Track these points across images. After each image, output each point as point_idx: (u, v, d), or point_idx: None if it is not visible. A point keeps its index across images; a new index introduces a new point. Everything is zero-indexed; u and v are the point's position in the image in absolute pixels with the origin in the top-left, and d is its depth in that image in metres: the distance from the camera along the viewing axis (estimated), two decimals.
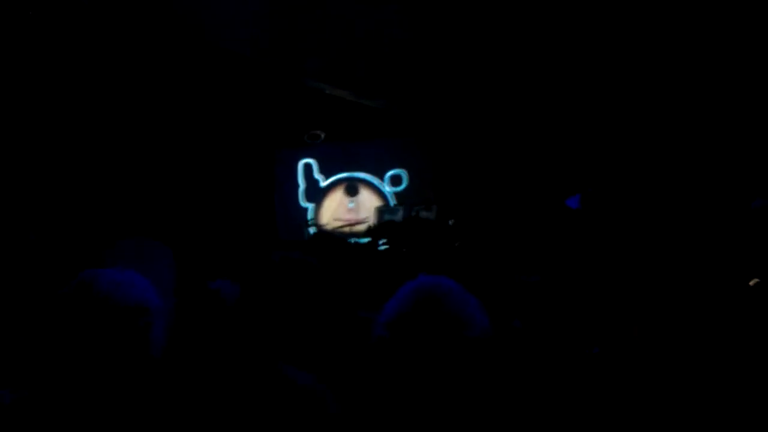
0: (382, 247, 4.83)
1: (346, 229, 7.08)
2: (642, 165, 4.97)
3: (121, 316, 1.11)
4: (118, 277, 1.17)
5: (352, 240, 6.26)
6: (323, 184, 7.88)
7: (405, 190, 7.60)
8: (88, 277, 1.15)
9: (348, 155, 7.77)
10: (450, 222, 5.95)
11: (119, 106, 5.82)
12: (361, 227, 6.73)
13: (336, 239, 4.56)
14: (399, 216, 6.51)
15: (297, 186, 7.92)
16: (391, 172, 7.64)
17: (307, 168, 7.91)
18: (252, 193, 7.43)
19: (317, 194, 7.89)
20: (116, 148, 5.89)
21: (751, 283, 2.37)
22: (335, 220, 7.67)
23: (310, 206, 7.89)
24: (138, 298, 1.15)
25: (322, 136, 7.61)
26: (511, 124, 6.38)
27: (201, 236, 5.65)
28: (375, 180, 7.72)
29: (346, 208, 7.73)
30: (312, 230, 7.40)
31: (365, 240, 5.89)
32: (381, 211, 6.99)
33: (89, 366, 1.09)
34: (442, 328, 1.15)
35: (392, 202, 7.60)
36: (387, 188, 7.68)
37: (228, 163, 7.10)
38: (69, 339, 1.09)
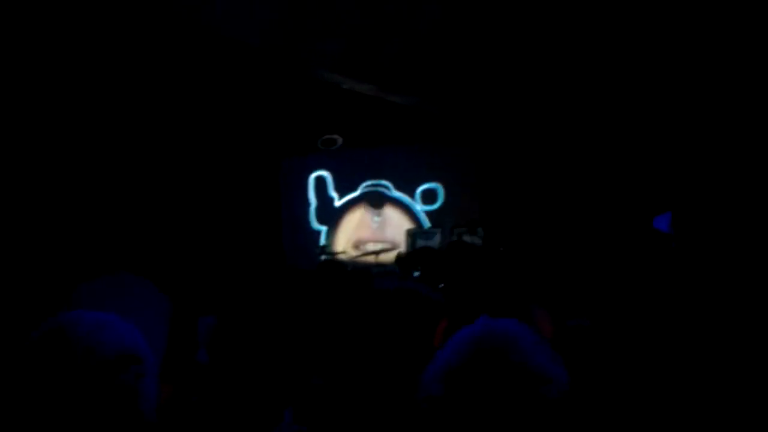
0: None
1: (371, 258, 7.09)
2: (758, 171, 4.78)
3: (106, 367, 1.12)
4: (100, 319, 1.17)
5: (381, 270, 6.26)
6: (339, 203, 7.88)
7: (441, 208, 7.55)
8: (61, 320, 1.16)
9: (370, 165, 7.77)
10: (500, 249, 5.94)
11: (100, 111, 5.91)
12: (389, 255, 6.73)
13: (352, 270, 4.52)
14: (436, 241, 6.53)
15: (308, 204, 7.94)
16: (423, 187, 7.62)
17: (320, 182, 7.92)
18: (254, 212, 7.39)
19: (332, 215, 7.90)
20: (94, 162, 5.92)
21: None
22: (356, 245, 7.66)
23: (324, 229, 7.90)
24: (125, 345, 1.16)
25: (340, 141, 7.61)
26: (575, 124, 6.23)
27: (195, 265, 5.69)
28: (404, 197, 7.70)
29: (371, 226, 7.75)
30: (326, 258, 7.29)
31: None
32: (413, 235, 6.97)
33: (67, 429, 1.09)
34: (511, 383, 1.14)
35: (426, 223, 7.56)
36: (419, 206, 7.64)
37: (227, 173, 7.07)
38: (41, 397, 1.09)
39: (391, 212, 7.73)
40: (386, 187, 7.78)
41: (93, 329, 1.15)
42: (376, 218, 7.75)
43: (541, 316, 1.79)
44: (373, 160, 7.77)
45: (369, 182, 7.83)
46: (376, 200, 7.79)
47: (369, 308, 1.75)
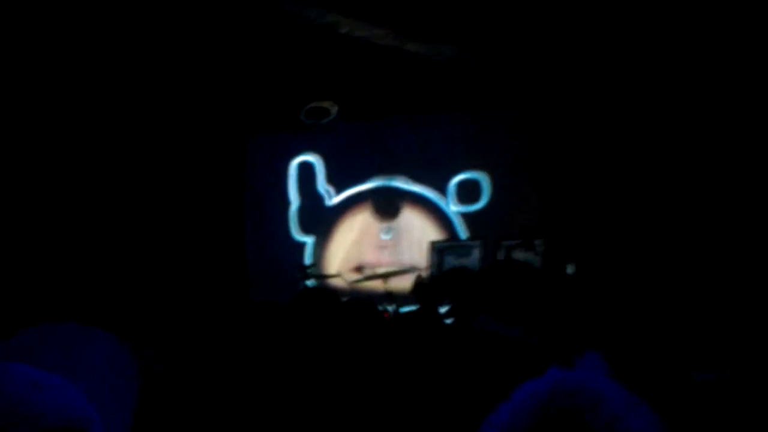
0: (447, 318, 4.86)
1: (378, 285, 6.95)
2: None
3: None
4: (40, 378, 1.25)
5: (389, 308, 6.16)
6: (334, 200, 7.93)
7: (485, 210, 7.56)
8: None
9: (380, 146, 7.79)
10: (568, 270, 6.04)
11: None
12: (405, 281, 6.60)
13: (349, 302, 4.66)
14: (475, 258, 6.44)
15: (286, 204, 8.01)
16: (459, 177, 7.62)
17: (305, 172, 8.00)
18: (204, 214, 7.47)
19: (322, 220, 7.96)
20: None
21: None
22: (356, 267, 7.69)
23: (310, 241, 7.96)
24: (73, 415, 1.24)
25: (334, 111, 7.63)
26: (687, 82, 6.21)
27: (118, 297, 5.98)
28: (429, 193, 7.71)
29: (378, 240, 7.79)
30: (311, 284, 7.27)
31: (409, 308, 5.87)
32: (441, 251, 6.80)
33: None
34: None
35: (461, 232, 7.59)
36: (452, 207, 7.65)
37: (167, 154, 7.22)
38: None
39: (409, 216, 7.76)
40: (403, 178, 7.79)
41: (30, 389, 1.23)
42: (387, 221, 7.82)
43: None
44: (384, 139, 7.80)
45: (377, 172, 7.86)
46: (387, 198, 7.81)
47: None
